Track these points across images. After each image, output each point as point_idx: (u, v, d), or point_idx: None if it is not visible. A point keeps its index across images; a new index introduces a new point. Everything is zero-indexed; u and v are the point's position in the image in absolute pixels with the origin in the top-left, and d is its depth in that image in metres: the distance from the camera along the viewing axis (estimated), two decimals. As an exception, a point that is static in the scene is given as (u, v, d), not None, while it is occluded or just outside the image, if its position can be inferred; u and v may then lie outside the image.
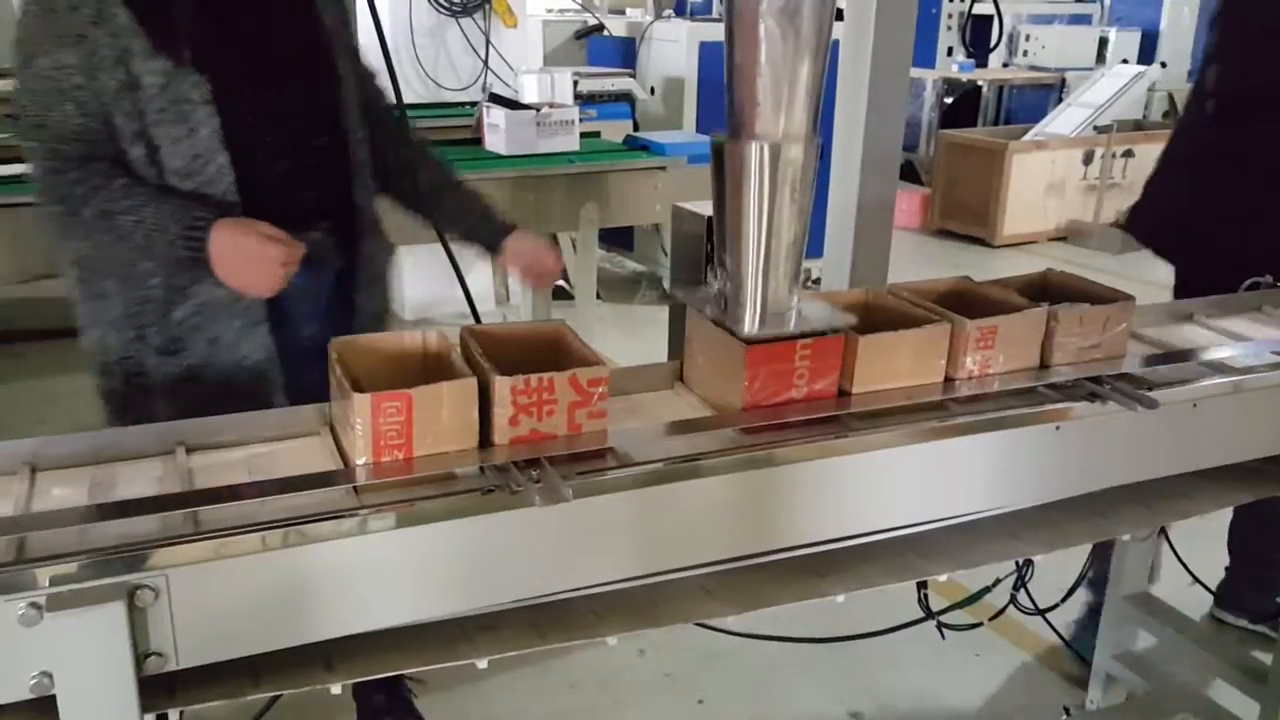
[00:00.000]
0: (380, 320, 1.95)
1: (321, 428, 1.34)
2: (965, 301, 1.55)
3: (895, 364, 1.43)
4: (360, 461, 1.18)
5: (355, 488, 1.17)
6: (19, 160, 3.03)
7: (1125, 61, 8.98)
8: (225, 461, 1.28)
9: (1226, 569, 2.74)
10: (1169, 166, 2.60)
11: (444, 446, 1.20)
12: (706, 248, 1.68)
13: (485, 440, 1.22)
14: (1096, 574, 2.51)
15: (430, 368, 1.31)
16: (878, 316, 1.51)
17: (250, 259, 1.61)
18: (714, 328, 1.41)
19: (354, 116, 1.82)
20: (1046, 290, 1.64)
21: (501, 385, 1.20)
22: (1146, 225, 2.63)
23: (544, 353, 1.33)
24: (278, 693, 1.16)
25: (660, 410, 1.45)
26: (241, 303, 1.69)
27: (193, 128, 1.62)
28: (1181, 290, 2.45)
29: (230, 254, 1.60)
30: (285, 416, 1.36)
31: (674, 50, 5.93)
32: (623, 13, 7.08)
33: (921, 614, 1.94)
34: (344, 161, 1.81)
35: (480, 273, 5.24)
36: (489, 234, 2.03)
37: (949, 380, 1.46)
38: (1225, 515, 2.56)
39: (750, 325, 1.36)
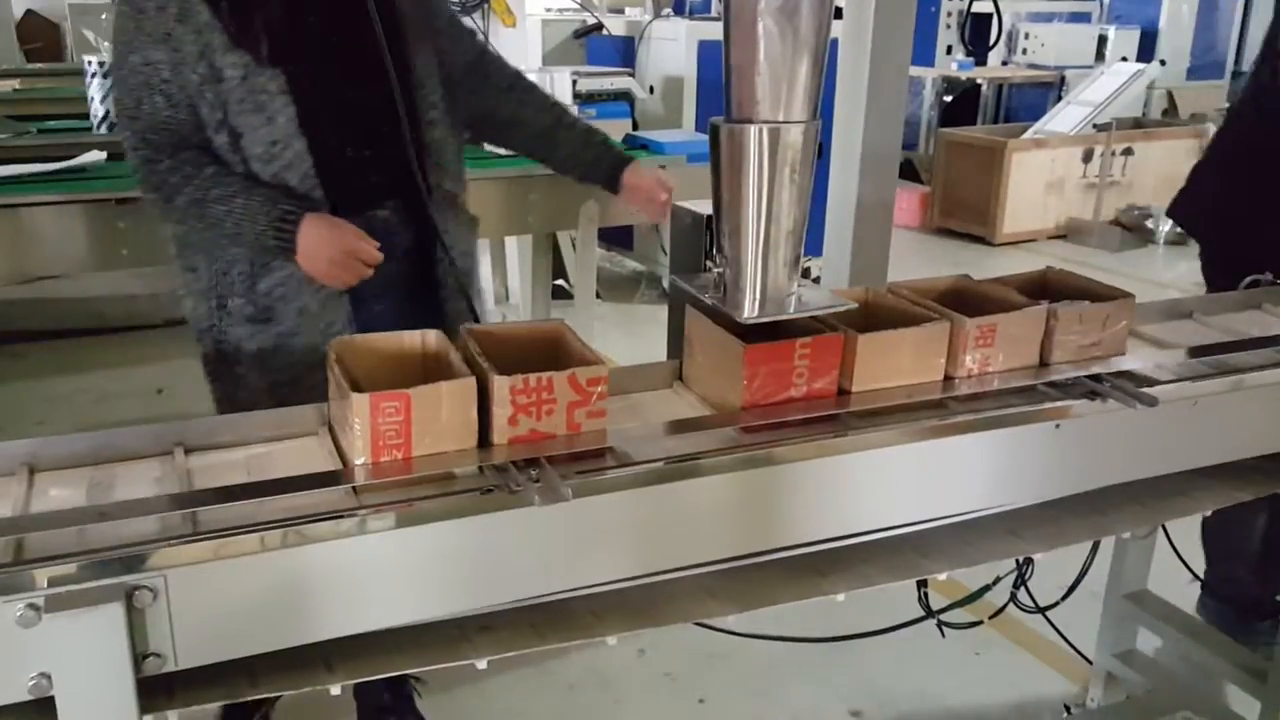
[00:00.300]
0: (460, 294, 1.99)
1: (320, 428, 1.34)
2: (965, 300, 1.55)
3: (895, 362, 1.42)
4: (359, 462, 1.17)
5: (354, 488, 1.16)
6: (18, 160, 3.05)
7: (1124, 59, 8.98)
8: (225, 462, 1.28)
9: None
10: (1214, 151, 2.71)
11: (443, 446, 1.20)
12: (705, 246, 1.68)
13: (484, 440, 1.22)
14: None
15: (430, 368, 1.30)
16: (877, 315, 1.51)
17: (334, 256, 1.75)
18: (713, 326, 1.41)
19: (429, 98, 1.90)
20: (1046, 288, 1.64)
21: (500, 385, 1.19)
22: (1185, 208, 2.71)
23: (543, 352, 1.33)
24: (277, 694, 1.15)
25: (660, 409, 1.45)
26: (320, 296, 1.82)
27: (270, 116, 1.73)
28: (1211, 275, 2.55)
29: (316, 247, 1.74)
30: (283, 417, 1.36)
31: (673, 49, 5.92)
32: (622, 12, 7.08)
33: (921, 613, 1.94)
34: (417, 143, 1.87)
35: (482, 271, 5.24)
36: (605, 172, 2.14)
37: (949, 378, 1.46)
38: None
39: (750, 310, 1.35)
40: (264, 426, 1.34)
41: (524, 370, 1.21)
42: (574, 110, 2.19)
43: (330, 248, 1.75)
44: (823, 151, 1.36)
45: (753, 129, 1.29)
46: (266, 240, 1.74)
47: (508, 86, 2.12)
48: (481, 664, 1.21)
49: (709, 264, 1.45)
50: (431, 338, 1.34)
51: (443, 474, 1.19)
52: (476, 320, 2.04)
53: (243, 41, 1.70)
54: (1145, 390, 1.46)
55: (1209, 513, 1.64)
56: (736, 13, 1.26)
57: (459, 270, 1.98)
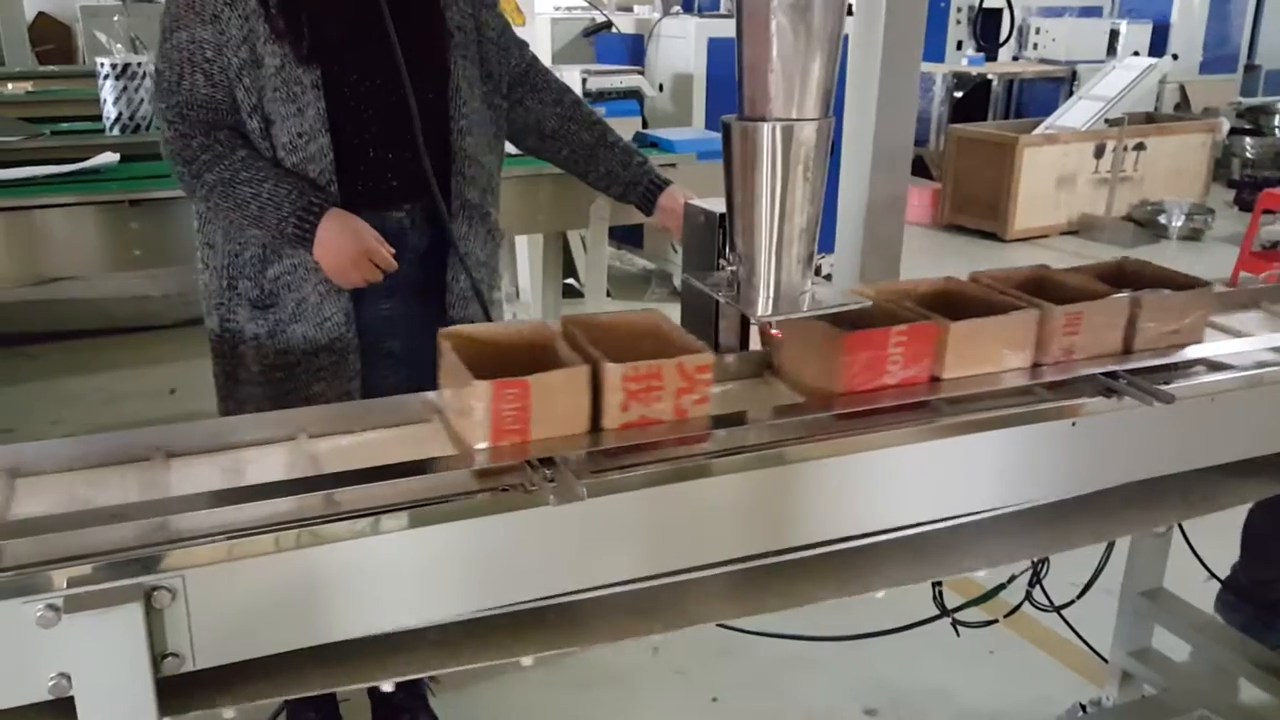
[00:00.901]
0: (469, 301, 1.99)
1: (433, 415, 1.38)
2: (1045, 289, 1.57)
3: (985, 350, 1.45)
4: (480, 446, 1.21)
5: (476, 471, 1.20)
6: (31, 162, 3.06)
7: (1136, 54, 8.95)
8: (338, 448, 1.33)
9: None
10: None
11: (558, 431, 1.24)
12: (719, 244, 1.68)
13: (595, 425, 1.26)
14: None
15: (537, 357, 1.34)
16: (960, 304, 1.52)
17: (351, 254, 1.78)
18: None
19: (466, 106, 1.91)
20: (1123, 277, 1.66)
21: (613, 372, 1.23)
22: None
23: (643, 341, 1.36)
24: (294, 694, 1.16)
25: (754, 398, 1.49)
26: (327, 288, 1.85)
27: (300, 108, 1.77)
28: None
29: (334, 244, 1.77)
30: (395, 405, 1.40)
31: (682, 47, 5.92)
32: (631, 10, 7.08)
33: (936, 611, 1.93)
34: (445, 151, 1.90)
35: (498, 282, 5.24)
36: (641, 193, 2.14)
37: (1036, 366, 1.48)
38: (1240, 510, 2.55)
39: (763, 308, 1.36)
40: (378, 414, 1.39)
41: (627, 359, 1.24)
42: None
43: (347, 245, 1.78)
44: (835, 149, 1.36)
45: (766, 126, 1.29)
46: (287, 228, 1.76)
47: (554, 100, 2.13)
48: (527, 661, 1.21)
49: (722, 262, 1.46)
50: (529, 328, 1.38)
51: (556, 458, 1.22)
52: None
53: (284, 34, 1.74)
54: (1162, 387, 1.46)
55: (1250, 504, 1.64)
56: (749, 10, 1.26)
57: (474, 280, 1.98)
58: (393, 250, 1.81)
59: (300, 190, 1.76)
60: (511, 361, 1.29)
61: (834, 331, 1.38)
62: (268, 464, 1.29)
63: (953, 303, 1.52)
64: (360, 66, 1.82)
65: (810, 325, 1.42)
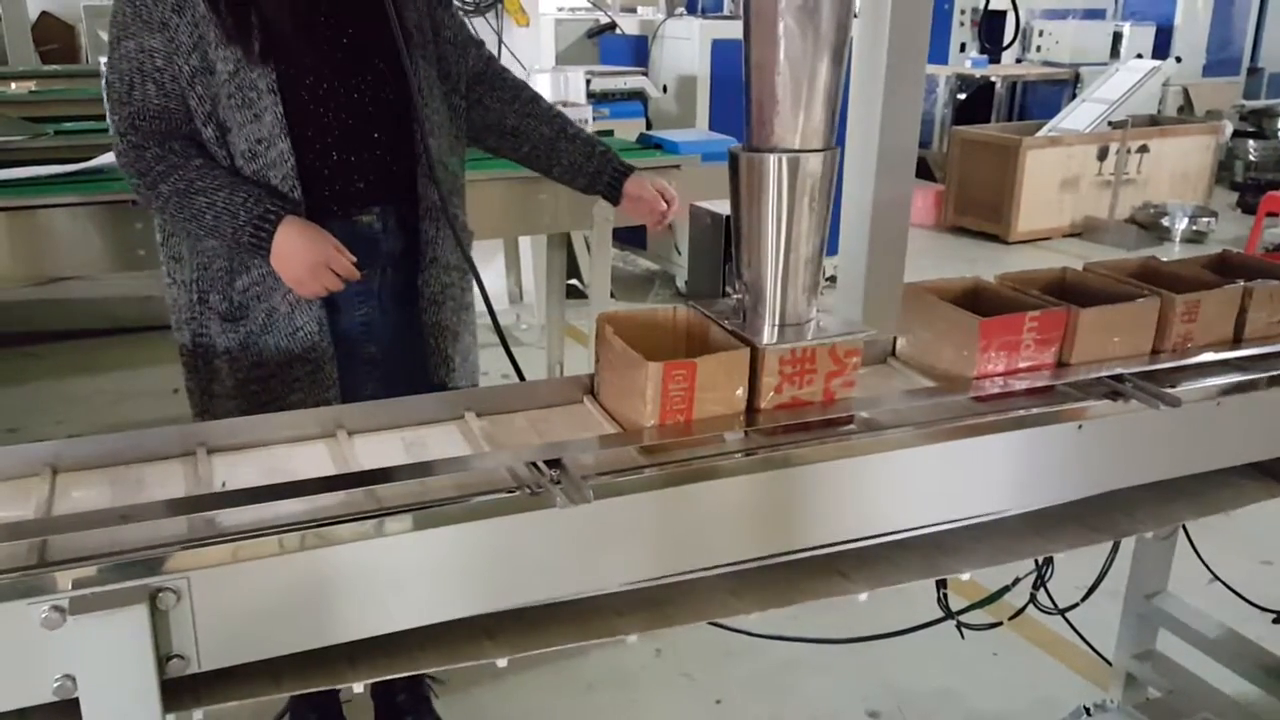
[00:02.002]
0: (442, 304, 1.96)
1: (584, 396, 1.46)
2: (1157, 279, 1.64)
3: (1110, 336, 1.51)
4: (648, 424, 1.28)
5: (643, 448, 1.26)
6: (35, 162, 3.06)
7: (1140, 56, 8.94)
8: (514, 427, 1.41)
9: None
10: None
11: (718, 410, 1.31)
12: (724, 247, 1.68)
13: (750, 405, 1.33)
14: None
15: (690, 341, 1.43)
16: (1077, 293, 1.58)
17: (308, 263, 1.73)
18: (939, 302, 1.52)
19: (428, 107, 1.88)
20: (1225, 269, 1.72)
21: (771, 355, 1.31)
22: None
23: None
24: (299, 693, 1.15)
25: (885, 382, 1.54)
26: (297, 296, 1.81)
27: (257, 114, 1.73)
28: None
29: (290, 252, 1.72)
30: (552, 386, 1.48)
31: (686, 48, 5.92)
32: (635, 11, 7.08)
33: (941, 613, 1.93)
34: (408, 151, 1.88)
35: (494, 271, 5.25)
36: (606, 183, 2.13)
37: (1155, 352, 1.55)
38: (1245, 513, 2.54)
39: (769, 337, 1.37)
40: (537, 396, 1.47)
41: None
42: (587, 112, 2.14)
43: (304, 254, 1.72)
44: (838, 150, 1.36)
45: (772, 158, 1.31)
46: (243, 237, 1.72)
47: (512, 97, 2.10)
48: (502, 663, 1.21)
49: (729, 290, 1.47)
50: (683, 312, 1.46)
51: (717, 436, 1.30)
52: (467, 334, 2.04)
53: (236, 37, 1.70)
54: (1168, 390, 1.46)
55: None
56: (756, 41, 1.28)
57: (453, 283, 1.97)
58: (354, 258, 1.76)
59: (256, 198, 1.71)
60: (663, 345, 1.38)
61: (969, 317, 1.44)
62: (442, 439, 1.35)
63: (1069, 291, 1.60)
64: (316, 69, 1.78)
65: (941, 312, 1.50)
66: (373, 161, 1.84)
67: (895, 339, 1.62)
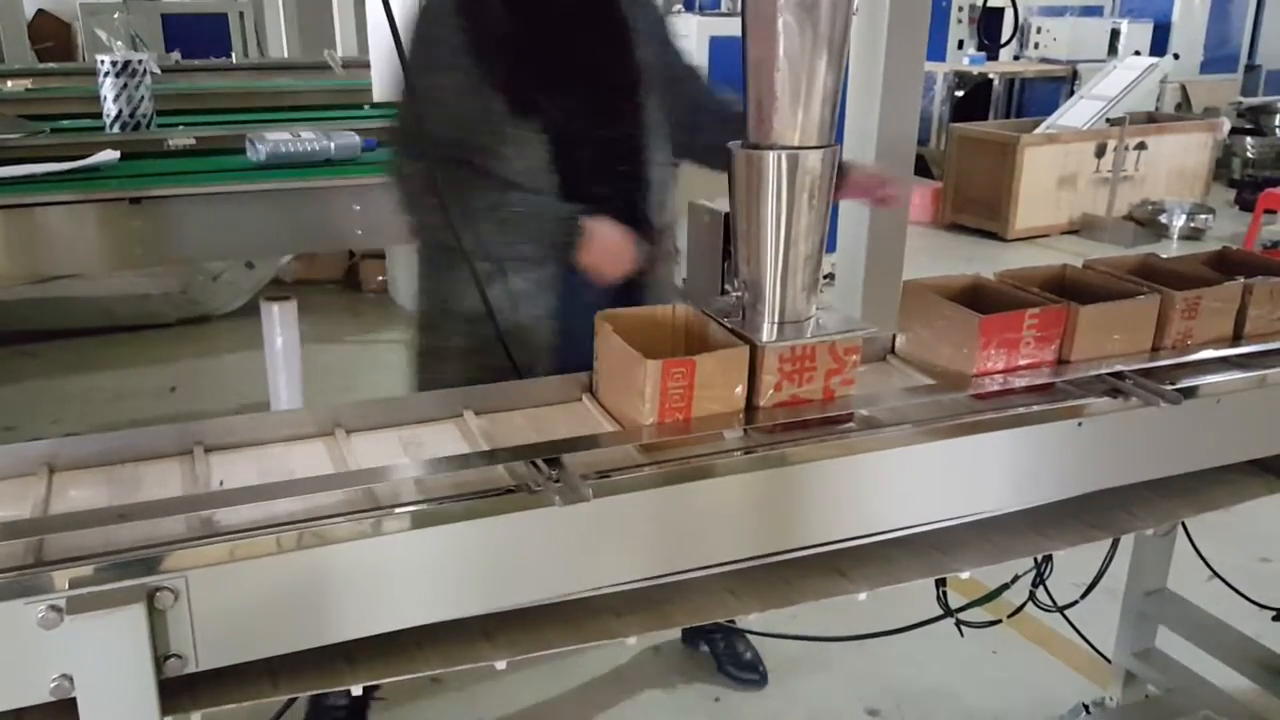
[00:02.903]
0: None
1: (583, 394, 1.45)
2: (1156, 276, 1.64)
3: (1109, 334, 1.51)
4: (647, 422, 1.27)
5: (642, 446, 1.26)
6: (31, 160, 3.05)
7: (1137, 53, 8.93)
8: (513, 425, 1.40)
9: None
10: None
11: (716, 409, 1.30)
12: (723, 244, 1.69)
13: (750, 403, 1.33)
14: None
15: (688, 340, 1.43)
16: (1077, 290, 1.58)
17: (616, 249, 1.89)
18: (940, 300, 1.52)
19: (655, 141, 2.04)
20: (1225, 266, 1.72)
21: (770, 353, 1.31)
22: None
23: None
24: (297, 695, 1.15)
25: (884, 380, 1.54)
26: (542, 295, 1.96)
27: (529, 152, 1.90)
28: None
29: (602, 239, 1.88)
30: (551, 385, 1.48)
31: (684, 45, 5.90)
32: (632, 8, 7.05)
33: (940, 612, 1.92)
34: (642, 183, 2.04)
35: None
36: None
37: (1155, 349, 1.55)
38: (1244, 510, 2.54)
39: (768, 334, 1.36)
40: (542, 392, 1.47)
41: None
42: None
43: (612, 242, 1.88)
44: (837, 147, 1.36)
45: (771, 155, 1.30)
46: (557, 234, 1.88)
47: (721, 120, 2.11)
48: (501, 665, 1.21)
49: (727, 287, 1.46)
50: (682, 310, 1.46)
51: (716, 434, 1.30)
52: None
53: (508, 89, 1.88)
54: (1168, 388, 1.45)
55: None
56: (755, 39, 1.27)
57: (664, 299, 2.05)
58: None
59: (556, 204, 1.90)
60: (662, 344, 1.38)
61: (969, 315, 1.44)
62: (439, 438, 1.36)
63: (1069, 288, 1.60)
64: (578, 113, 1.94)
65: (940, 309, 1.50)
66: (619, 194, 1.98)
67: (895, 336, 1.62)
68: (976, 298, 1.57)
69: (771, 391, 1.34)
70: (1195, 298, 1.55)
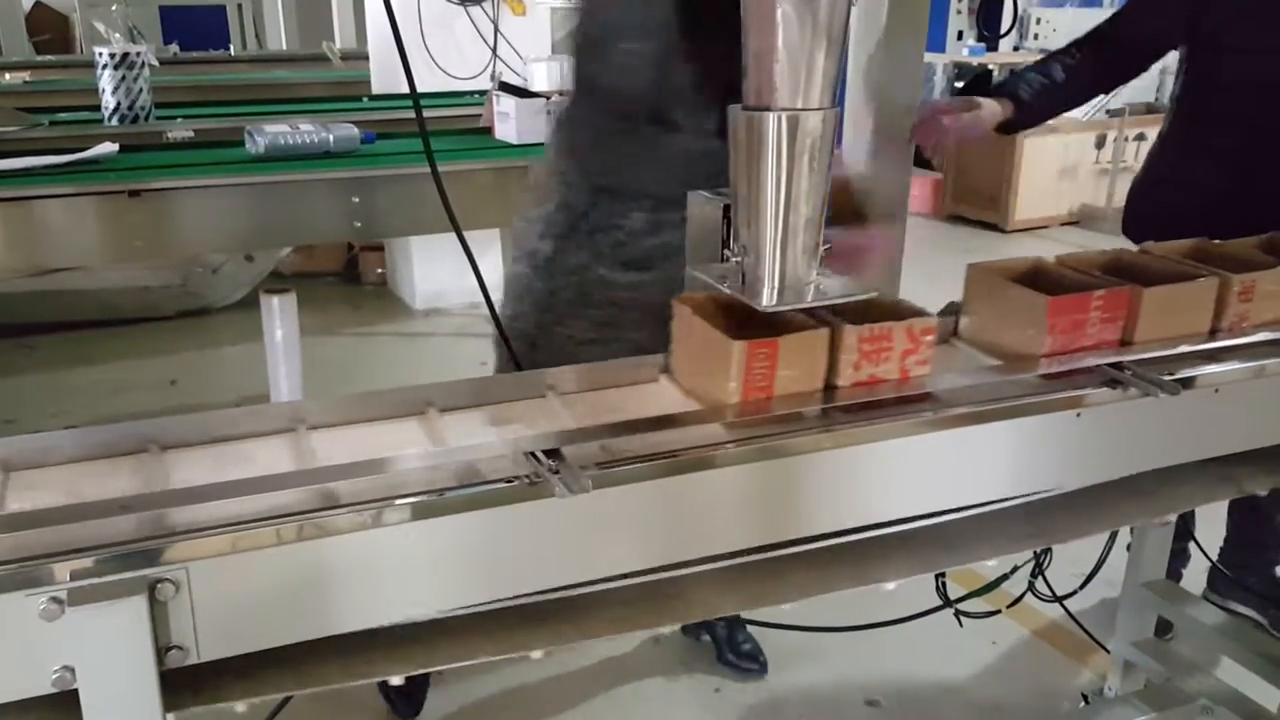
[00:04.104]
0: None
1: (660, 375, 1.47)
2: (1209, 259, 1.67)
3: (1171, 315, 1.54)
4: (731, 402, 1.30)
5: (726, 424, 1.28)
6: (30, 153, 3.05)
7: (1137, 44, 8.90)
8: (595, 404, 1.41)
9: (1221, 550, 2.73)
10: None
11: (797, 388, 1.33)
12: (723, 234, 1.68)
13: (828, 383, 1.36)
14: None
15: (761, 319, 1.41)
16: (1133, 274, 1.59)
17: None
18: (1002, 280, 1.54)
19: None
20: (1276, 249, 1.74)
21: (850, 334, 1.33)
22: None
23: (863, 307, 1.46)
24: (298, 689, 1.15)
25: (949, 361, 1.54)
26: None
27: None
28: None
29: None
30: (627, 365, 1.48)
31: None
32: None
33: (939, 602, 1.93)
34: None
35: (493, 263, 5.23)
36: None
37: (1214, 331, 1.58)
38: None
39: (768, 298, 1.36)
40: (618, 373, 1.47)
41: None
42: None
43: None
44: (838, 140, 1.36)
45: (771, 116, 1.29)
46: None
47: None
48: (537, 654, 1.22)
49: (727, 253, 1.46)
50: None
51: (795, 414, 1.33)
52: None
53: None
54: (1167, 378, 1.45)
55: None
56: (754, 29, 1.26)
57: None
58: None
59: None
60: (735, 323, 1.38)
61: (1036, 297, 1.47)
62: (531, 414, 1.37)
63: (1124, 272, 1.61)
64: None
65: (1006, 291, 1.53)
66: None
67: (957, 319, 1.64)
68: (1036, 281, 1.59)
69: (851, 371, 1.36)
70: (1251, 281, 1.58)
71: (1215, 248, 1.75)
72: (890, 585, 1.38)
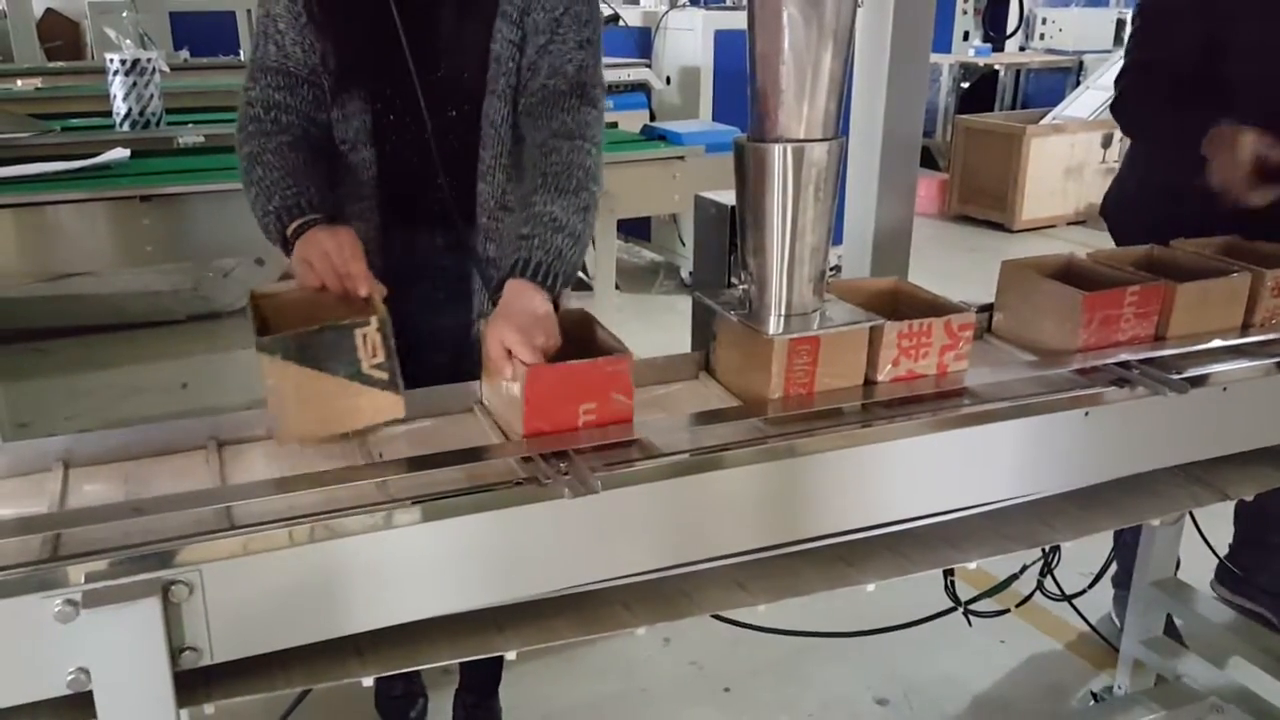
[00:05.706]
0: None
1: (699, 372, 1.52)
2: (1240, 256, 1.70)
3: (1204, 310, 1.57)
4: (773, 397, 1.32)
5: (766, 419, 1.31)
6: (42, 159, 3.07)
7: (1144, 43, 8.87)
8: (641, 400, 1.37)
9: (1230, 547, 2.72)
10: None
11: (837, 384, 1.36)
12: (729, 237, 1.68)
13: (868, 379, 1.39)
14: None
15: None
16: (1165, 269, 1.63)
17: (320, 264, 1.57)
18: (1038, 277, 1.56)
19: (495, 121, 1.78)
20: None
21: (890, 330, 1.36)
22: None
23: (886, 302, 1.50)
24: (311, 686, 1.16)
25: (983, 358, 1.55)
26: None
27: (348, 116, 1.77)
28: None
29: (306, 252, 1.60)
30: (668, 364, 1.51)
31: (689, 39, 5.90)
32: (637, 2, 7.05)
33: (949, 603, 1.93)
34: (473, 162, 1.79)
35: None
36: (499, 276, 1.65)
37: (1246, 326, 1.61)
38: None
39: (775, 327, 1.37)
40: (650, 372, 1.50)
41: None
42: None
43: (320, 257, 1.57)
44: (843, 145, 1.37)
45: (776, 148, 1.31)
46: (268, 224, 1.68)
47: (539, 144, 1.78)
48: (511, 655, 1.22)
49: (734, 280, 1.47)
50: None
51: (836, 409, 1.35)
52: None
53: (340, 49, 1.73)
54: (1175, 377, 1.46)
55: (1250, 497, 1.65)
56: (760, 31, 1.28)
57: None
58: (384, 291, 1.50)
59: (298, 193, 1.64)
60: None
61: (1071, 292, 1.49)
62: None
63: (1156, 267, 1.64)
64: (407, 82, 1.71)
65: (1041, 286, 1.55)
66: (438, 188, 1.76)
67: (991, 314, 1.66)
68: (1069, 276, 1.61)
69: (890, 366, 1.38)
70: None
71: (1245, 244, 1.77)
72: (890, 580, 1.39)
